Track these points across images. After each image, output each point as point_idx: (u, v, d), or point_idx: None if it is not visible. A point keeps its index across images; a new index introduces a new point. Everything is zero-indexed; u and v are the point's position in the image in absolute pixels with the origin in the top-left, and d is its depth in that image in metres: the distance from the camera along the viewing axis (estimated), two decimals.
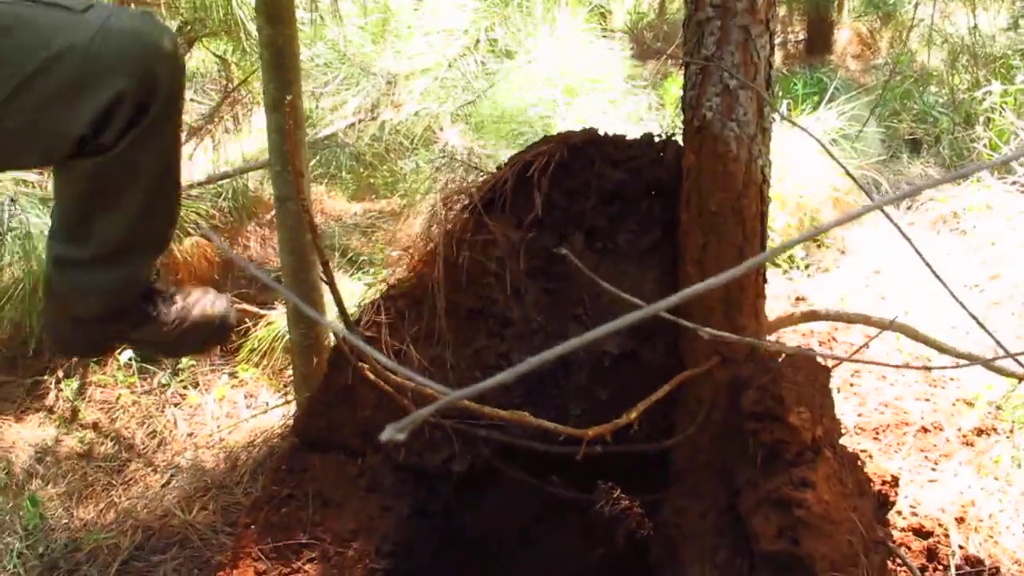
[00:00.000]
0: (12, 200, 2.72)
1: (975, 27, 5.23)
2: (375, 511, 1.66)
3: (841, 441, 1.52)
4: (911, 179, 4.75)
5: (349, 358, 1.61)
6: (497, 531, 2.07)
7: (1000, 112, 4.72)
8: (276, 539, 1.68)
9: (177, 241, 3.13)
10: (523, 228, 1.65)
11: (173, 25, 3.00)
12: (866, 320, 1.65)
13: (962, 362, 1.19)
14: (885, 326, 1.61)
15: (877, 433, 2.50)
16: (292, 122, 1.84)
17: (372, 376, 1.55)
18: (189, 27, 3.06)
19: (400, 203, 3.99)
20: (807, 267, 3.71)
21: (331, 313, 2.39)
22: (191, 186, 3.24)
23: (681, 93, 1.55)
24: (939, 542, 2.05)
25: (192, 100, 3.52)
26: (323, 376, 1.82)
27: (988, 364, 1.66)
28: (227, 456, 2.64)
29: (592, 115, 3.45)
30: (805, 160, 3.99)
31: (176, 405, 2.94)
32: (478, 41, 3.43)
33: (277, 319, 3.03)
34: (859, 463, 1.47)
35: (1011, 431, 2.50)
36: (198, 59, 3.51)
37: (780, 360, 1.46)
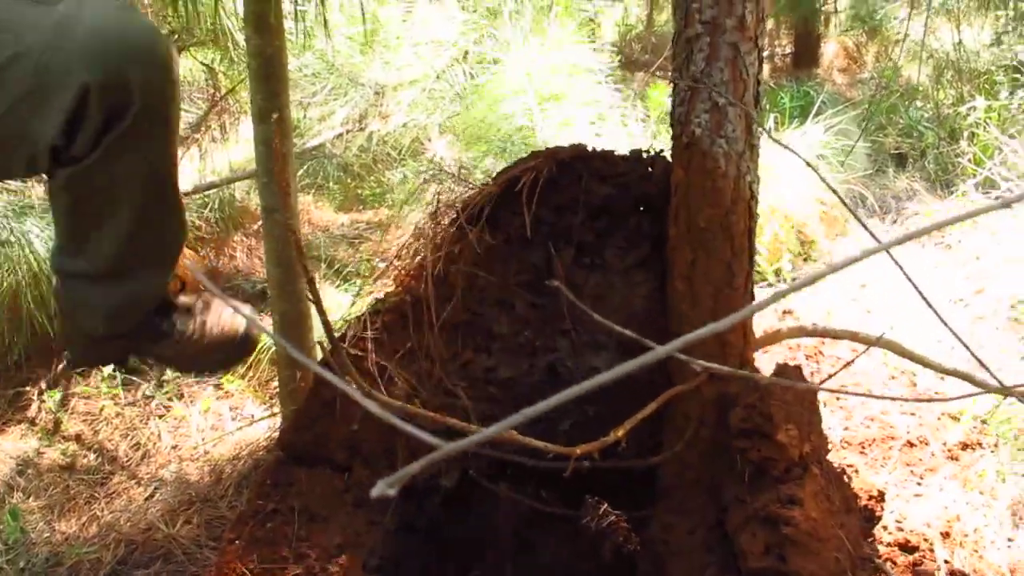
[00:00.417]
0: None
1: (960, 43, 5.28)
2: (361, 526, 1.65)
3: (828, 456, 1.52)
4: (896, 193, 4.78)
5: (334, 376, 1.60)
6: (485, 545, 2.06)
7: (984, 127, 4.76)
8: (261, 554, 1.67)
9: None
10: (511, 243, 1.65)
11: None
12: (853, 336, 1.65)
13: (973, 388, 1.19)
14: (872, 342, 1.61)
15: (863, 447, 2.51)
16: (279, 136, 1.83)
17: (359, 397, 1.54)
18: (177, 36, 3.06)
19: (387, 214, 3.98)
20: (793, 280, 3.72)
21: (316, 326, 2.38)
22: None
23: (670, 108, 1.55)
24: (925, 557, 2.05)
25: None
26: (309, 389, 1.81)
27: (974, 382, 1.67)
28: (212, 469, 2.62)
29: (579, 125, 3.46)
30: (792, 174, 4.01)
31: (160, 417, 2.92)
32: (467, 53, 3.44)
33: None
34: (846, 479, 1.47)
35: (996, 445, 2.51)
36: (185, 68, 3.50)
37: (769, 376, 1.46)
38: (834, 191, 1.34)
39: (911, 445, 2.53)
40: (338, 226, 4.25)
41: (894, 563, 2.01)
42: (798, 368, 1.48)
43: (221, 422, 2.87)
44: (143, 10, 2.89)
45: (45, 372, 3.04)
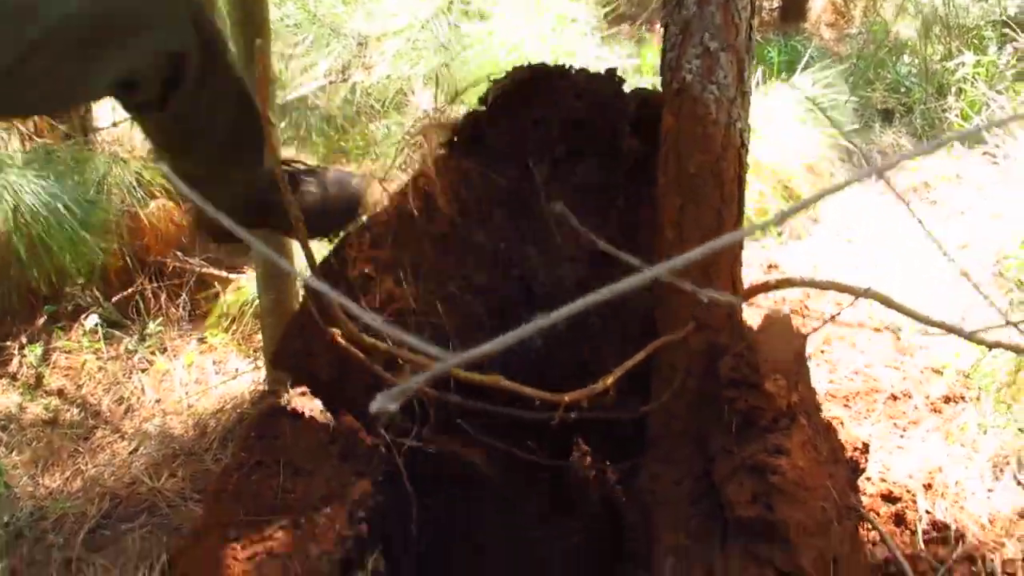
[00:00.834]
0: None
1: None
2: (347, 478, 1.64)
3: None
4: (883, 149, 4.76)
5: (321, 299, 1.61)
6: (469, 499, 2.06)
7: (972, 83, 4.74)
8: (246, 507, 1.66)
9: (142, 204, 3.07)
10: (492, 157, 1.67)
11: None
12: (841, 287, 1.64)
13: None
14: (860, 293, 1.60)
15: (848, 400, 2.52)
16: (262, 71, 1.84)
17: (341, 339, 1.52)
18: None
19: (372, 167, 3.94)
20: (780, 235, 3.71)
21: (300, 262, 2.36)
22: None
23: (660, 55, 1.53)
24: (907, 507, 2.06)
25: None
26: (300, 304, 1.85)
27: (961, 334, 1.67)
28: (196, 423, 2.61)
29: None
30: (778, 128, 3.98)
31: (143, 371, 2.89)
32: (451, 2, 3.37)
33: (247, 284, 2.98)
34: (833, 431, 1.47)
35: (978, 399, 2.52)
36: None
37: (757, 327, 1.45)
38: (840, 130, 1.31)
39: (895, 398, 2.55)
40: None
41: (877, 514, 2.03)
42: (787, 318, 1.47)
43: (205, 376, 2.85)
44: None
45: (26, 327, 3.01)
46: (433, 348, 0.41)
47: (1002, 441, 2.33)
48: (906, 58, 5.57)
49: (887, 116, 5.19)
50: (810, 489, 1.31)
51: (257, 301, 2.64)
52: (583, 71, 1.67)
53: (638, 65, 4.38)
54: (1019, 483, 2.22)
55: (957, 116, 4.60)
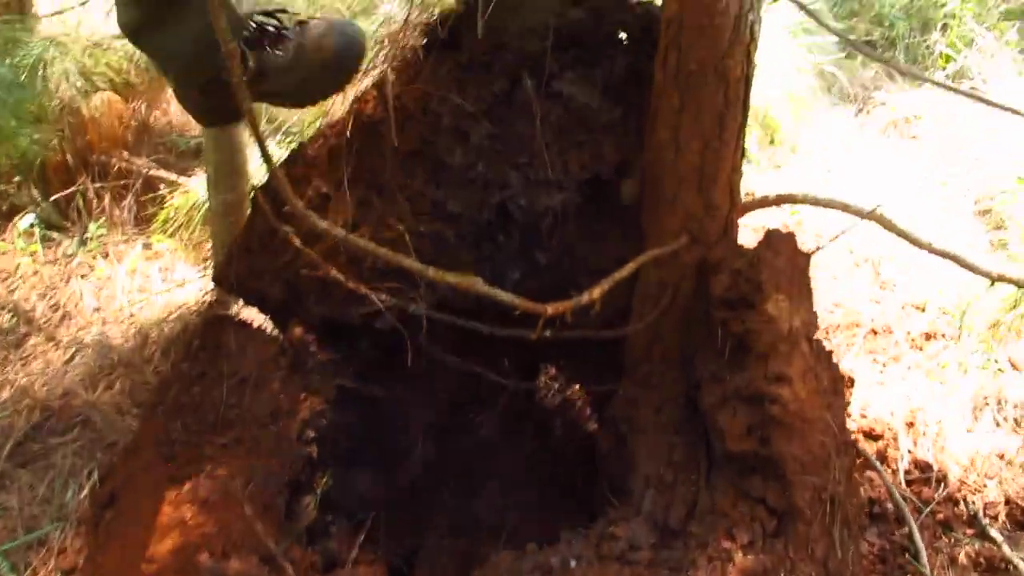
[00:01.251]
0: None
1: None
2: (297, 393, 1.49)
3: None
4: (864, 82, 4.62)
5: (268, 204, 1.41)
6: (426, 415, 1.93)
7: (960, 19, 4.60)
8: (185, 421, 1.52)
9: (84, 98, 2.84)
10: (472, 67, 1.44)
11: None
12: (844, 207, 1.51)
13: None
14: (864, 215, 1.47)
15: (828, 333, 2.42)
16: None
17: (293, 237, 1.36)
18: None
19: None
20: (758, 163, 3.58)
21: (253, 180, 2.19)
22: (105, 38, 2.93)
23: None
24: (889, 446, 1.98)
25: None
26: (246, 220, 1.65)
27: (964, 264, 1.55)
28: (137, 332, 2.43)
29: None
30: (758, 56, 3.81)
31: (83, 277, 2.69)
32: None
33: (196, 188, 2.78)
34: (833, 359, 1.34)
35: (958, 337, 2.44)
36: None
37: (758, 242, 1.31)
38: (845, 37, 1.16)
39: (875, 333, 2.46)
40: None
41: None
42: (791, 235, 1.33)
43: (149, 284, 2.66)
44: None
45: None
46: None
47: (982, 380, 2.25)
48: None
49: (870, 48, 5.04)
50: (810, 422, 1.19)
51: (207, 206, 2.45)
52: None
53: None
54: (998, 424, 2.15)
55: (943, 50, 4.48)
